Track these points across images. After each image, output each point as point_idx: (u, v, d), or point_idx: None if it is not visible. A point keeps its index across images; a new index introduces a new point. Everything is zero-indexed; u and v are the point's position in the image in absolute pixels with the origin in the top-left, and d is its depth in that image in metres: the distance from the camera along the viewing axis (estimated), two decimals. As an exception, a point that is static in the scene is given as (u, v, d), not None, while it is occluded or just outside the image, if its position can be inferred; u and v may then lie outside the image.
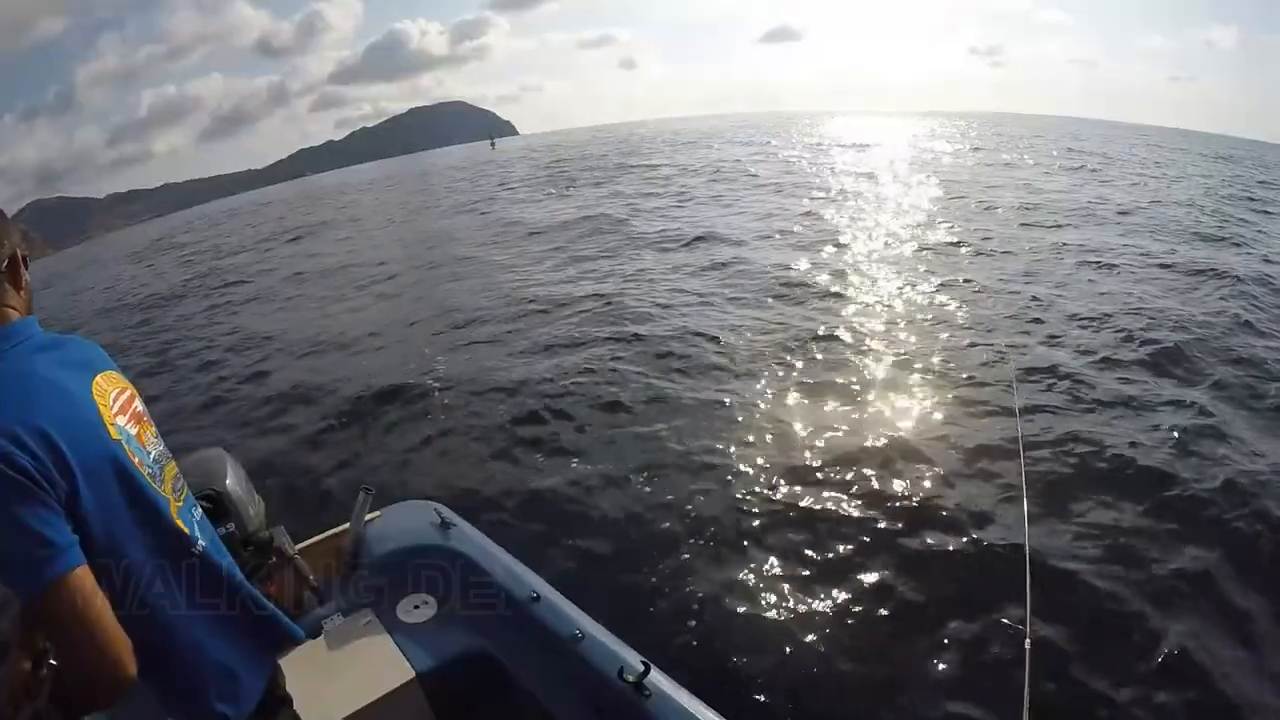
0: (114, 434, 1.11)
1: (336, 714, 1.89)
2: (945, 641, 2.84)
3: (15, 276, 1.11)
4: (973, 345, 6.08)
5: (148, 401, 1.29)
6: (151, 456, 1.19)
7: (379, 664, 2.08)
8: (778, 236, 11.45)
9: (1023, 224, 11.89)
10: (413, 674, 2.04)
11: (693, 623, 3.02)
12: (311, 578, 2.28)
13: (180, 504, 1.22)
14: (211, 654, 1.21)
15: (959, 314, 7.04)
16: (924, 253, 9.95)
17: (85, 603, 0.95)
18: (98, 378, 1.14)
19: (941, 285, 8.10)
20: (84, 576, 0.96)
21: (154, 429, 1.25)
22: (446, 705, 2.09)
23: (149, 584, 1.11)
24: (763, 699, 2.64)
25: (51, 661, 1.12)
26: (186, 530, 1.19)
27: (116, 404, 1.15)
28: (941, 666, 2.74)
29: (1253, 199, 15.70)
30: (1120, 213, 12.92)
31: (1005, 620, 2.85)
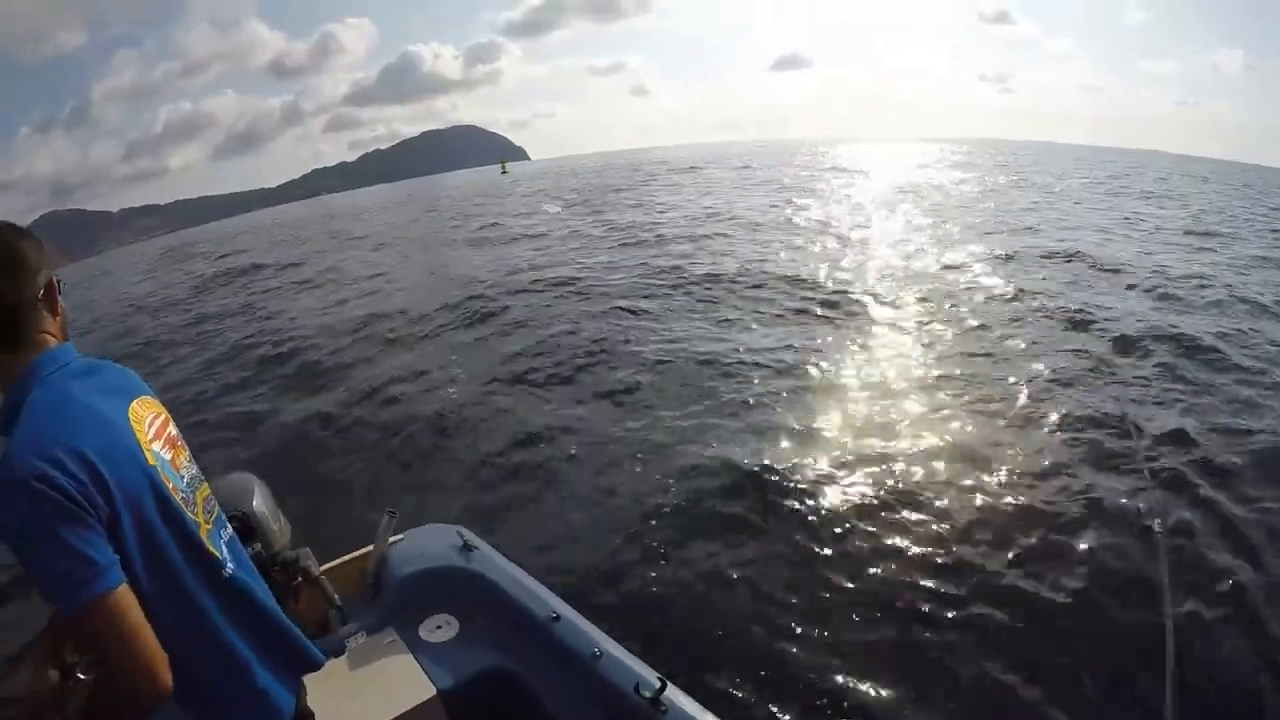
0: (150, 459, 1.14)
1: None
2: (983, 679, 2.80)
3: (51, 303, 1.14)
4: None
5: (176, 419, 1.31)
6: (185, 481, 1.22)
7: (401, 682, 2.11)
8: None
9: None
10: (434, 691, 2.07)
11: (713, 639, 3.04)
12: (336, 598, 2.32)
13: (210, 526, 1.25)
14: (239, 674, 1.24)
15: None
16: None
17: (125, 619, 0.98)
18: (134, 404, 1.18)
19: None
20: (125, 595, 1.00)
21: (187, 453, 1.29)
22: None
23: (182, 604, 1.15)
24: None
25: (80, 675, 1.15)
26: (216, 553, 1.22)
27: (151, 429, 1.18)
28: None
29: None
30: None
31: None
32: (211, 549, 1.21)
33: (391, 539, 2.52)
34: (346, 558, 2.49)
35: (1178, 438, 4.52)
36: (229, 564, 1.24)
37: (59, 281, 1.16)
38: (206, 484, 1.30)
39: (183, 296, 17.24)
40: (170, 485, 1.16)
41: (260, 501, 2.04)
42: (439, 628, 2.32)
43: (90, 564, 0.97)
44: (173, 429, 1.26)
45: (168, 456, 1.20)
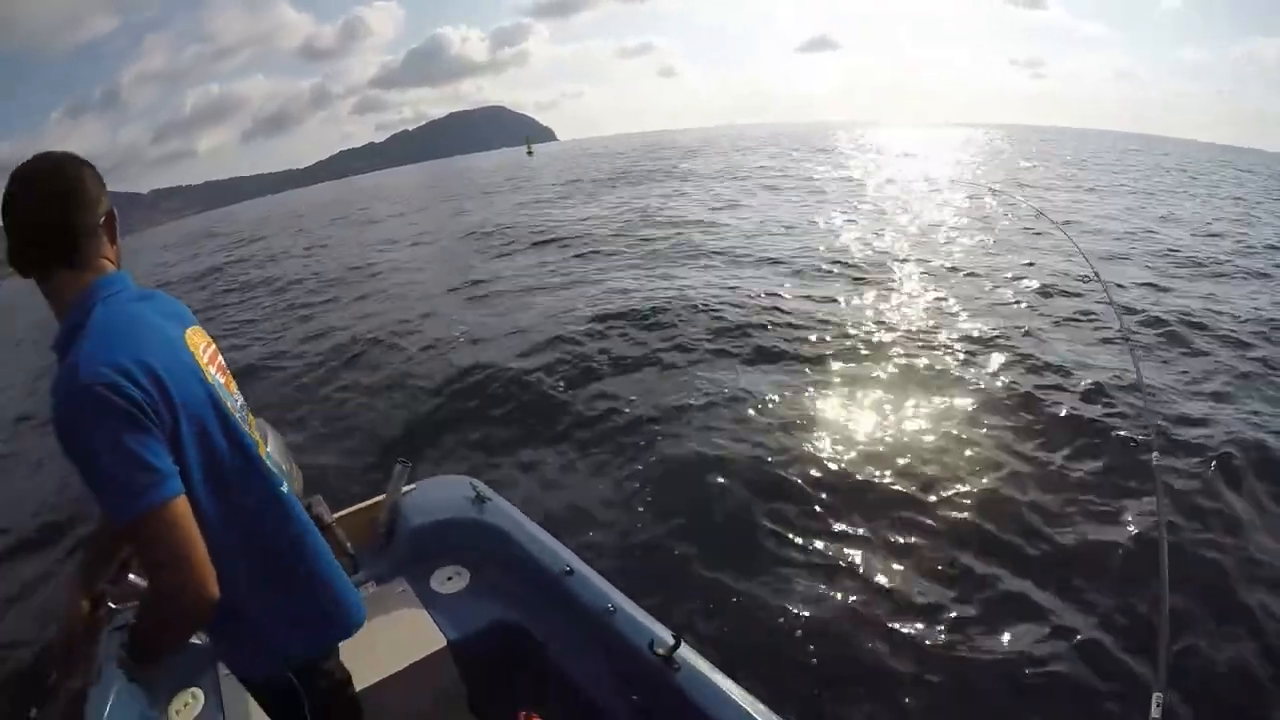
0: (209, 379, 1.18)
1: (368, 679, 1.91)
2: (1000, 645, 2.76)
3: (110, 231, 1.18)
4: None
5: None
6: (238, 405, 1.26)
7: (411, 632, 2.11)
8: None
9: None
10: (444, 642, 2.06)
11: (729, 604, 3.00)
12: (349, 546, 2.32)
13: (265, 450, 1.28)
14: (279, 593, 1.26)
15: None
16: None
17: (181, 529, 0.99)
18: (188, 330, 1.22)
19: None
20: (182, 505, 1.01)
21: (235, 383, 1.32)
22: (477, 674, 2.11)
23: (237, 518, 1.17)
24: (793, 683, 2.61)
25: (110, 604, 1.17)
26: (275, 470, 1.27)
27: (206, 354, 1.23)
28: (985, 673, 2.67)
29: None
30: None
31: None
32: (271, 467, 1.27)
33: (404, 488, 2.50)
34: (358, 506, 2.48)
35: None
36: (284, 483, 1.29)
37: (115, 212, 1.20)
38: (251, 415, 1.33)
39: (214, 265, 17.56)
40: (228, 405, 1.20)
41: (274, 447, 2.01)
42: (450, 579, 2.31)
43: (152, 471, 0.98)
44: (221, 359, 1.30)
45: (222, 380, 1.24)
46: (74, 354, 1.01)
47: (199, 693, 1.97)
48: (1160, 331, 6.24)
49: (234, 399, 1.25)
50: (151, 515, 0.97)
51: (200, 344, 1.22)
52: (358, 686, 1.78)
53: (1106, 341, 5.96)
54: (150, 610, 1.10)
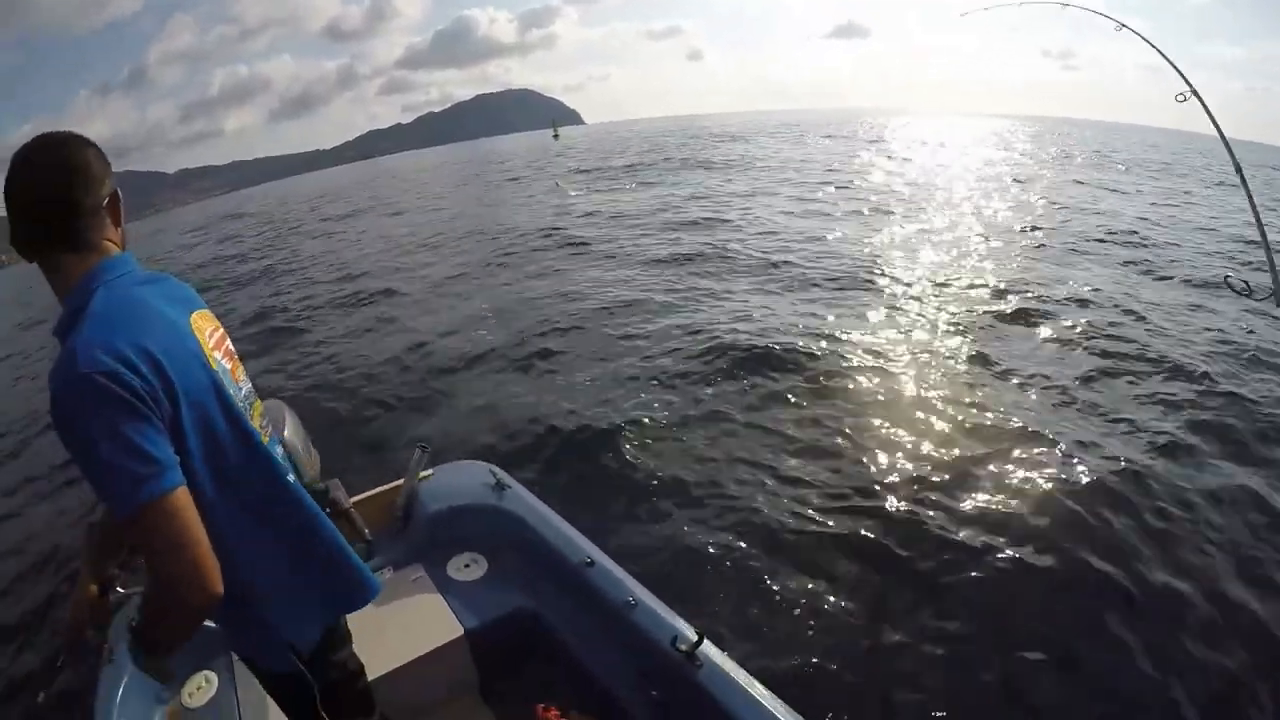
0: (213, 365, 1.15)
1: (383, 667, 1.89)
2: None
3: (115, 213, 1.15)
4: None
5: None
6: (242, 393, 1.22)
7: (427, 619, 2.08)
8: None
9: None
10: (461, 631, 2.03)
11: (754, 605, 2.92)
12: (366, 531, 2.29)
13: (269, 438, 1.24)
14: (290, 583, 1.23)
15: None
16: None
17: (181, 522, 0.96)
18: (194, 314, 1.18)
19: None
20: (183, 496, 0.97)
21: (243, 368, 1.29)
22: (492, 663, 2.08)
23: (238, 507, 1.13)
24: (817, 688, 2.53)
25: (119, 589, 1.16)
26: (278, 460, 1.23)
27: (212, 340, 1.19)
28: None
29: None
30: None
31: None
32: (274, 455, 1.23)
33: (422, 474, 2.48)
34: (375, 491, 2.46)
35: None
36: (289, 472, 1.25)
37: (120, 194, 1.17)
38: (259, 401, 1.30)
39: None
40: (231, 393, 1.17)
41: (291, 430, 2.00)
42: (467, 566, 2.28)
43: (152, 462, 0.95)
44: (229, 344, 1.27)
45: (227, 366, 1.21)
46: (72, 340, 0.98)
47: (212, 676, 1.96)
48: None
49: (239, 386, 1.22)
50: (151, 506, 0.94)
51: (206, 328, 1.19)
52: (373, 673, 1.75)
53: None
54: (152, 602, 1.07)
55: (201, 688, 1.94)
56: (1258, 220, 3.21)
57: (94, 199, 1.09)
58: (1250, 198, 3.28)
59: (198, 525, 0.97)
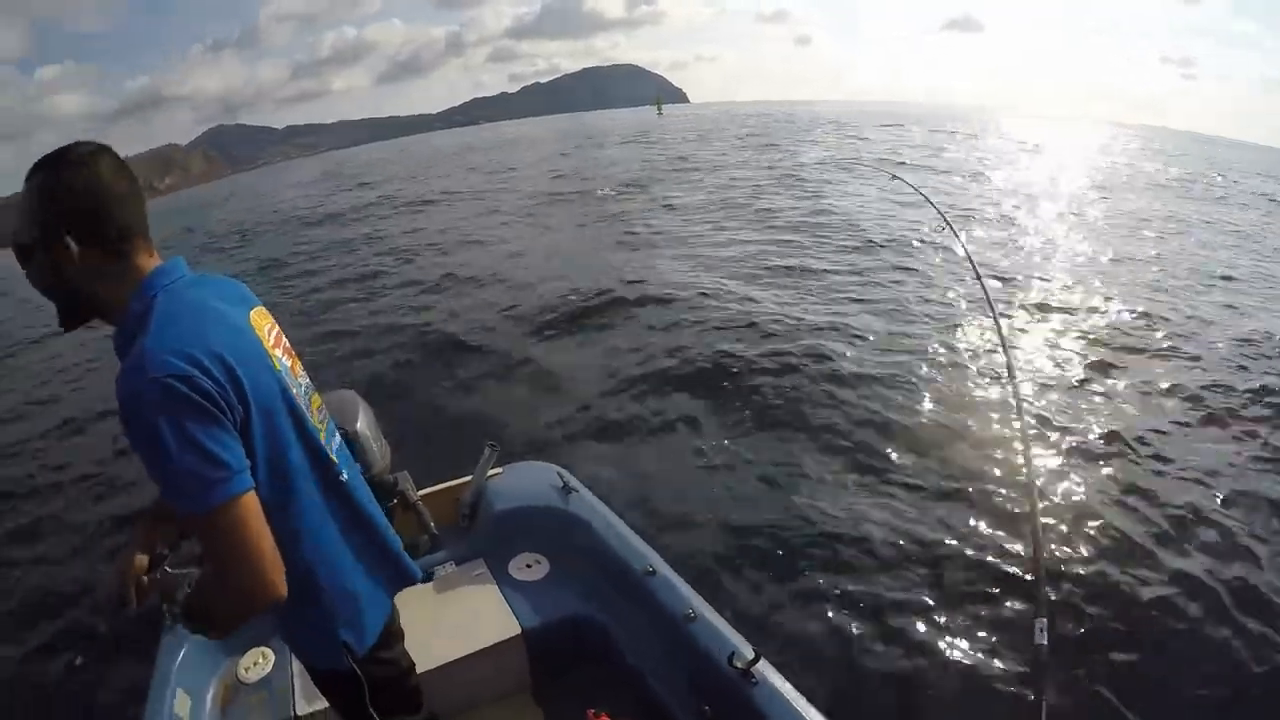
0: (276, 364, 1.14)
1: (438, 659, 1.91)
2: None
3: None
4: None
5: (295, 332, 1.30)
6: (302, 388, 1.22)
7: (486, 615, 2.10)
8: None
9: None
10: (518, 629, 2.04)
11: (813, 625, 2.83)
12: (432, 525, 2.34)
13: (326, 433, 1.24)
14: (345, 583, 1.23)
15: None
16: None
17: (251, 526, 0.96)
18: (252, 312, 1.18)
19: None
20: (252, 501, 0.97)
21: (301, 363, 1.28)
22: (547, 665, 2.08)
23: (297, 507, 1.14)
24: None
25: (167, 569, 1.15)
26: (334, 458, 1.23)
27: (271, 337, 1.18)
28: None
29: None
30: None
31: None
32: (331, 455, 1.22)
33: (491, 472, 2.50)
34: (443, 485, 2.49)
35: None
36: (344, 471, 1.24)
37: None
38: (318, 394, 1.30)
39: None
40: (293, 391, 1.17)
41: (364, 422, 2.03)
42: (529, 566, 2.29)
43: (223, 467, 0.95)
44: (285, 340, 1.26)
45: (287, 363, 1.20)
46: (140, 344, 0.97)
47: (269, 653, 2.02)
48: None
49: (299, 383, 1.22)
50: (221, 510, 0.94)
51: (265, 325, 1.18)
52: (428, 665, 1.77)
53: None
54: (209, 594, 1.07)
55: (258, 663, 1.99)
56: None
57: (143, 208, 1.10)
58: None
59: (264, 530, 0.98)
